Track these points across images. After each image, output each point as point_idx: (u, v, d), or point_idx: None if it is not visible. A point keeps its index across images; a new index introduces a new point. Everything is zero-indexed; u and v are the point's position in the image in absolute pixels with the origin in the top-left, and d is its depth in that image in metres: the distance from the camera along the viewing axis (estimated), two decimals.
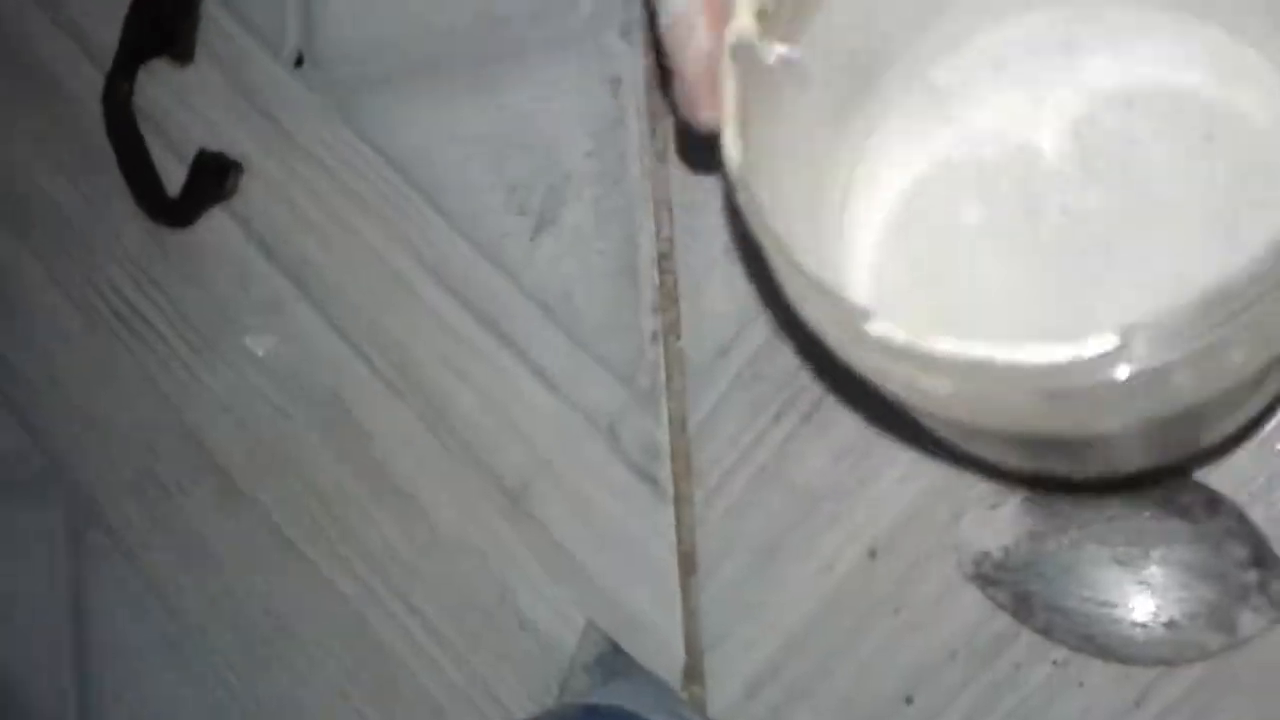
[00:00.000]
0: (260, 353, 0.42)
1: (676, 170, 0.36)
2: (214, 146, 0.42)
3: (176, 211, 0.42)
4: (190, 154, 0.42)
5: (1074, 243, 0.24)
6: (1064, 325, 0.20)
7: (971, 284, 0.25)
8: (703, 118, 0.22)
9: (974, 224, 0.26)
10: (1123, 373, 0.17)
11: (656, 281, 0.36)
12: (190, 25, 0.42)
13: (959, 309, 0.25)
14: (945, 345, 0.18)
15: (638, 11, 0.36)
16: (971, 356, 0.18)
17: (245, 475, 0.42)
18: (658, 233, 0.36)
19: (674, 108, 0.23)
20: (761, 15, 0.21)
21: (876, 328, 0.19)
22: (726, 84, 0.21)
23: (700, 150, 0.26)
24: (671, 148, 0.36)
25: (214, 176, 0.41)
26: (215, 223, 0.42)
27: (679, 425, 0.36)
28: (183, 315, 0.43)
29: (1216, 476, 0.30)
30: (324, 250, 0.41)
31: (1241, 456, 0.30)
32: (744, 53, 0.21)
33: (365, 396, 0.40)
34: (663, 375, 0.36)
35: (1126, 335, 0.17)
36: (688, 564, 0.35)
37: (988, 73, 0.26)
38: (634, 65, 0.36)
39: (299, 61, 0.41)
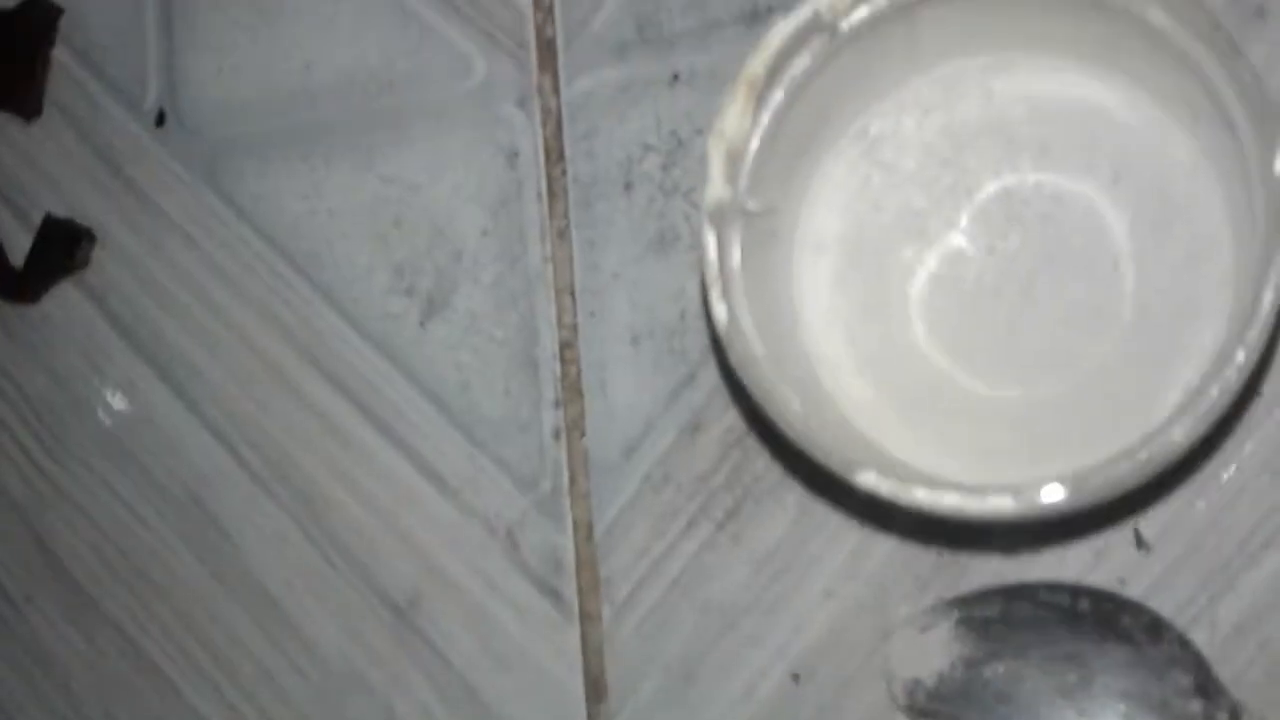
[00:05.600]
0: (114, 445, 0.37)
1: (579, 252, 0.33)
2: (63, 212, 0.38)
3: (20, 285, 0.37)
4: (38, 220, 0.38)
5: (999, 281, 0.27)
6: (987, 369, 0.26)
7: (908, 322, 0.27)
8: None
9: (908, 262, 0.27)
10: (1066, 508, 0.21)
11: (558, 373, 0.33)
12: (38, 75, 0.37)
13: (898, 347, 0.27)
14: (922, 495, 0.21)
15: (534, 78, 0.33)
16: (944, 505, 0.21)
17: (98, 586, 0.37)
18: (560, 320, 0.33)
19: None
20: (730, 174, 0.23)
21: (864, 479, 0.22)
22: (709, 247, 0.23)
23: None
24: (573, 226, 0.33)
25: (62, 246, 0.37)
26: (65, 298, 0.38)
27: (584, 533, 0.33)
28: (31, 405, 0.38)
29: (1158, 598, 0.28)
30: (186, 332, 0.37)
31: (1183, 575, 0.28)
32: (719, 215, 0.23)
33: (232, 497, 0.36)
34: (565, 477, 0.33)
35: (1072, 488, 0.20)
36: (596, 689, 0.32)
37: (914, 119, 0.27)
38: (533, 137, 0.33)
39: (160, 120, 0.37)
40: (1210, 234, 0.25)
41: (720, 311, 0.23)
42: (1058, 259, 0.26)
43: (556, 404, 0.33)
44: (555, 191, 0.33)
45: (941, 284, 0.27)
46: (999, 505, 0.20)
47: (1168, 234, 0.25)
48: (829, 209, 0.27)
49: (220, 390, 0.36)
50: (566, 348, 0.33)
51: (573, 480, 0.33)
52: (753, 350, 0.23)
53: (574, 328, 0.33)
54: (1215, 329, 0.25)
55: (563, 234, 0.33)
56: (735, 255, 0.23)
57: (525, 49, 0.33)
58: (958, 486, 0.21)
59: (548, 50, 0.33)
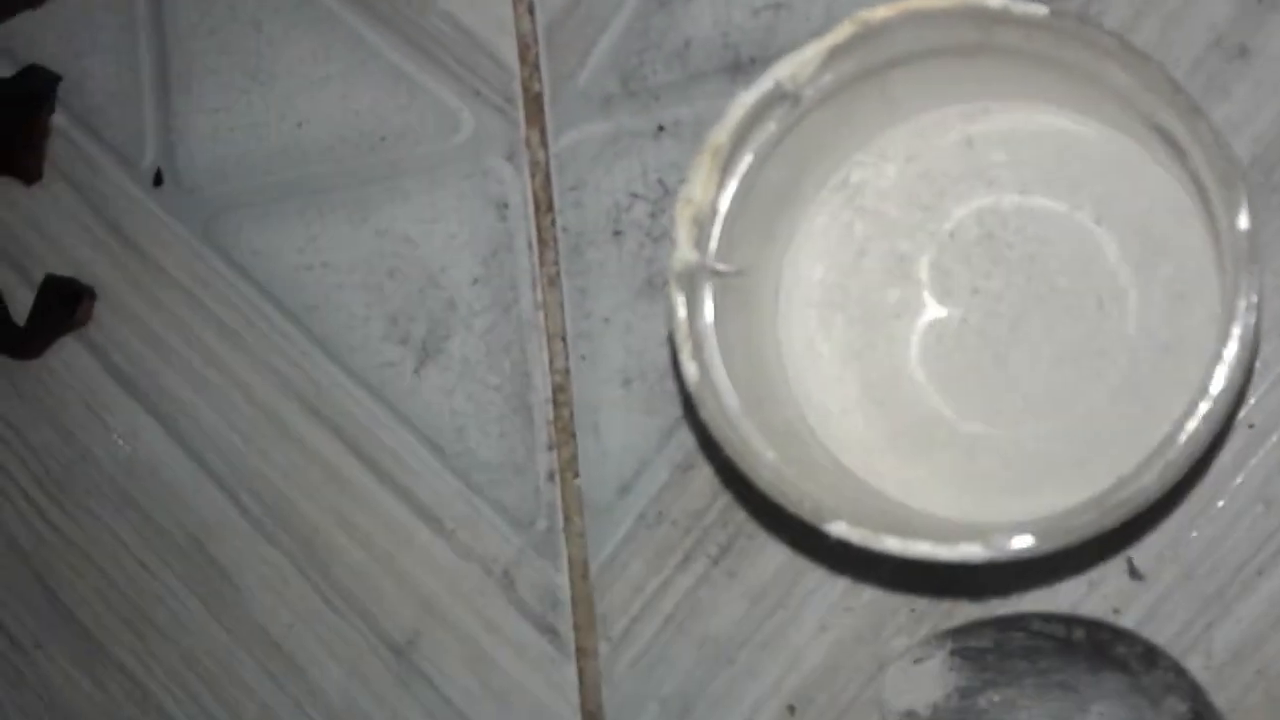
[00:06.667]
0: (118, 493, 0.38)
1: (570, 298, 0.33)
2: (65, 271, 0.38)
3: (25, 342, 0.38)
4: (40, 279, 0.38)
5: (985, 321, 0.27)
6: (976, 405, 0.27)
7: (896, 361, 0.28)
8: None
9: (893, 305, 0.28)
10: (1035, 554, 0.22)
11: (551, 416, 0.34)
12: (38, 140, 0.38)
13: (885, 386, 0.28)
14: (893, 543, 0.22)
15: (522, 132, 0.34)
16: (915, 552, 0.22)
17: (104, 630, 0.38)
18: (552, 365, 0.34)
19: None
20: (697, 238, 0.24)
21: (835, 528, 0.23)
22: (677, 308, 0.24)
23: None
24: (564, 273, 0.33)
25: (63, 304, 0.38)
26: (68, 353, 0.39)
27: (579, 571, 0.33)
28: (36, 456, 0.39)
29: (1152, 626, 0.29)
30: (187, 383, 0.37)
31: (1178, 603, 0.29)
32: (686, 277, 0.24)
33: (233, 543, 0.37)
34: (560, 517, 0.34)
35: (1041, 535, 0.21)
36: None
37: (895, 166, 0.28)
38: (522, 189, 0.34)
39: (158, 180, 0.38)
40: (1196, 271, 0.25)
41: (691, 370, 0.23)
42: (1045, 299, 0.27)
43: (550, 446, 0.34)
44: (545, 240, 0.34)
45: (928, 325, 0.28)
46: (969, 552, 0.21)
47: (1154, 273, 0.26)
48: (813, 257, 0.28)
49: (221, 439, 0.37)
50: (559, 391, 0.34)
51: (568, 520, 0.34)
52: (725, 404, 0.23)
53: (566, 372, 0.34)
54: (1204, 364, 0.25)
55: (553, 281, 0.34)
56: (707, 314, 0.24)
57: (513, 104, 0.34)
58: (929, 534, 0.21)
59: (534, 105, 0.34)
